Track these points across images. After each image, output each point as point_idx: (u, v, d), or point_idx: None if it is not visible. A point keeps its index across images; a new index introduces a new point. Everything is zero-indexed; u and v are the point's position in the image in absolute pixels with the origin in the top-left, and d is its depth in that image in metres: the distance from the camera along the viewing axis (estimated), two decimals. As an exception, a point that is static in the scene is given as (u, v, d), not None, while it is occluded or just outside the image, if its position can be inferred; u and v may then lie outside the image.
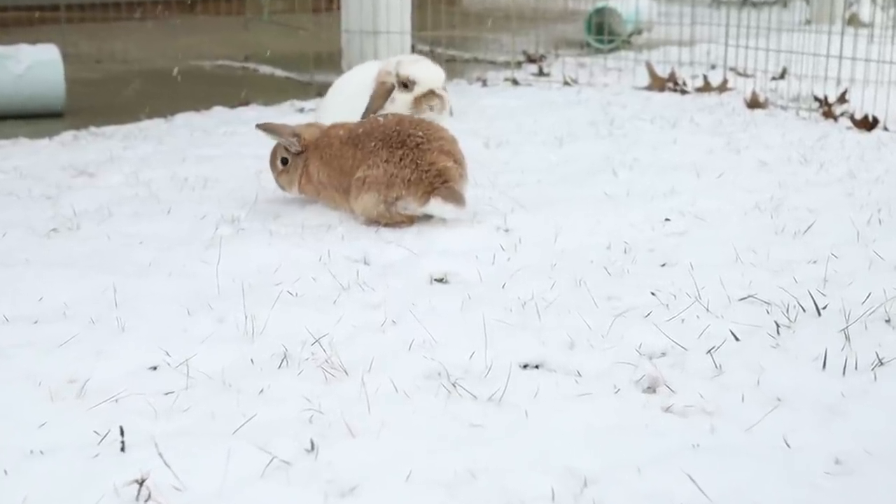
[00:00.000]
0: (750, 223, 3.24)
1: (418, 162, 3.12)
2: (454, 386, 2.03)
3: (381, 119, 3.28)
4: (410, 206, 3.14)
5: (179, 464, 1.71)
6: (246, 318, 2.34)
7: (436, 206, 3.12)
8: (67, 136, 4.71)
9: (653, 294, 2.55)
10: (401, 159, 3.12)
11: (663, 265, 2.82)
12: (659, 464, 1.75)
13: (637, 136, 4.65)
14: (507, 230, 3.14)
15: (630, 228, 3.16)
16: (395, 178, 3.11)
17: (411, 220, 3.16)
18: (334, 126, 3.38)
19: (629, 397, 2.02)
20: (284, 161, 3.38)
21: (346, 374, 2.09)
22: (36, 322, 2.35)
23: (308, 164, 3.33)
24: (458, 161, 3.22)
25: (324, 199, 3.35)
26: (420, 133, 3.18)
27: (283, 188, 3.42)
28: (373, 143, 3.17)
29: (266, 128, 3.37)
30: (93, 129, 4.79)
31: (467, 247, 2.94)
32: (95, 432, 1.82)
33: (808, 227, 3.13)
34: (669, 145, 4.44)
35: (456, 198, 3.12)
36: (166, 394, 1.99)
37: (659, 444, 1.83)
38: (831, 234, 3.06)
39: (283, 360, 2.15)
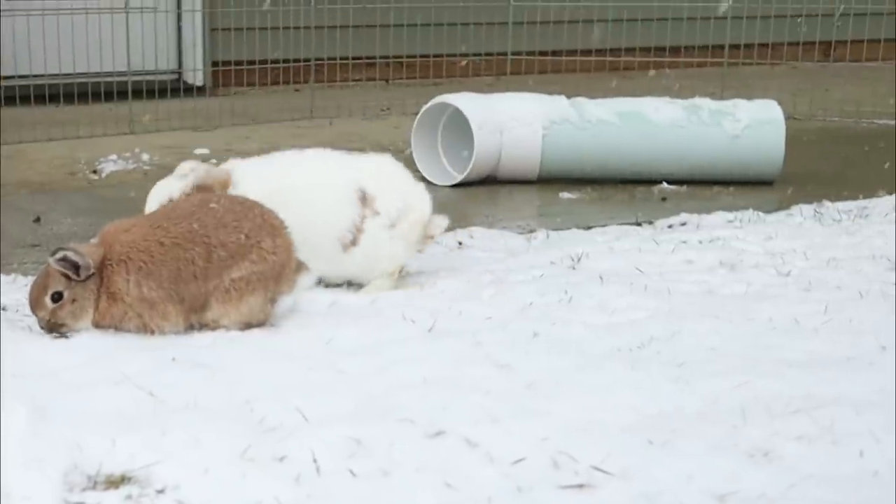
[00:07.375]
0: None
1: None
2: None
3: (211, 205, 2.80)
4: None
5: None
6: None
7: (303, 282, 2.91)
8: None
9: None
10: (282, 247, 2.83)
11: None
12: None
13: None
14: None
15: None
16: (284, 269, 2.82)
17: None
18: (134, 227, 2.78)
19: None
20: (57, 296, 2.73)
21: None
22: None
23: (109, 284, 2.72)
24: None
25: (139, 320, 2.75)
26: (265, 210, 2.87)
27: (57, 328, 2.77)
28: (240, 236, 2.77)
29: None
30: (814, 204, 4.09)
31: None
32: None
33: None
34: None
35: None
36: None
37: None
38: None
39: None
